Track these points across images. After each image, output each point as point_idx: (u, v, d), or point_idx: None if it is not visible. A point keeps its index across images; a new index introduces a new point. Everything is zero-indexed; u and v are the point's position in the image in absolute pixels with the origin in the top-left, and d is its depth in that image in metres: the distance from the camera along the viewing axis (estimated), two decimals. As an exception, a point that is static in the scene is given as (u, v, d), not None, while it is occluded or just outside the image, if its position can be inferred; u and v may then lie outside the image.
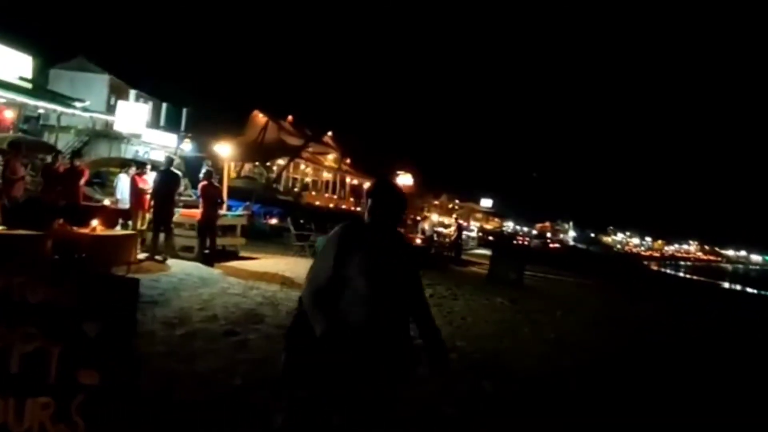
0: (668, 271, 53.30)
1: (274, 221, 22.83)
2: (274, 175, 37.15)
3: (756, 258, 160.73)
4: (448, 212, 61.56)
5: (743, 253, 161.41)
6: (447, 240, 27.08)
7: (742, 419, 6.00)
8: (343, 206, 41.44)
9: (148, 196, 12.20)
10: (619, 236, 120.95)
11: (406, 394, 3.25)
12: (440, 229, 31.21)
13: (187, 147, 31.55)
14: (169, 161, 12.86)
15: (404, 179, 41.04)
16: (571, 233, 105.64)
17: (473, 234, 48.54)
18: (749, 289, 34.41)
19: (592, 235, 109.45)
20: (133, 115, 31.27)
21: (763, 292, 32.40)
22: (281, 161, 37.52)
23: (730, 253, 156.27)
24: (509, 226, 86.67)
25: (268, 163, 36.36)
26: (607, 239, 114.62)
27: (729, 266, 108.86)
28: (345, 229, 2.85)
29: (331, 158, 45.01)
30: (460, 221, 34.79)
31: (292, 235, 17.26)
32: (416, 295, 2.94)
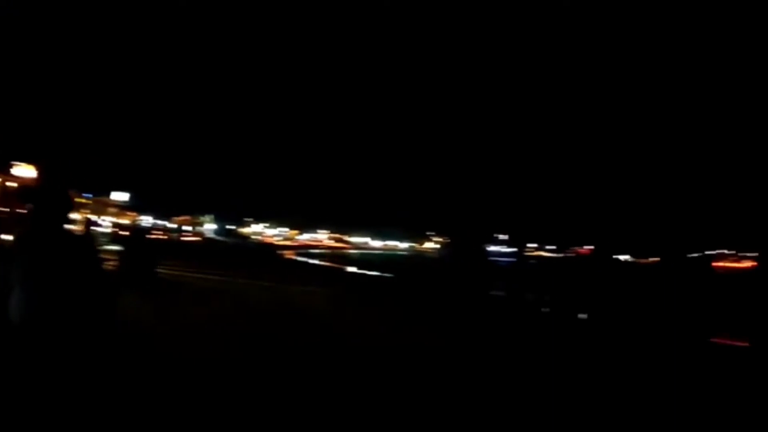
0: (301, 259, 57.11)
1: None
2: None
3: (375, 243, 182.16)
4: (76, 207, 56.83)
5: (364, 239, 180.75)
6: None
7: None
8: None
9: None
10: (257, 227, 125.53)
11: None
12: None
13: None
14: None
15: (22, 171, 37.10)
16: (211, 226, 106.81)
17: (106, 229, 45.89)
18: (384, 274, 37.93)
19: (231, 227, 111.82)
20: None
21: (385, 274, 36.61)
22: None
23: (355, 239, 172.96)
24: (147, 220, 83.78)
25: None
26: (246, 230, 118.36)
27: (356, 252, 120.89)
28: (15, 240, 3.06)
29: None
30: (89, 216, 32.72)
31: None
32: (91, 281, 3.09)
